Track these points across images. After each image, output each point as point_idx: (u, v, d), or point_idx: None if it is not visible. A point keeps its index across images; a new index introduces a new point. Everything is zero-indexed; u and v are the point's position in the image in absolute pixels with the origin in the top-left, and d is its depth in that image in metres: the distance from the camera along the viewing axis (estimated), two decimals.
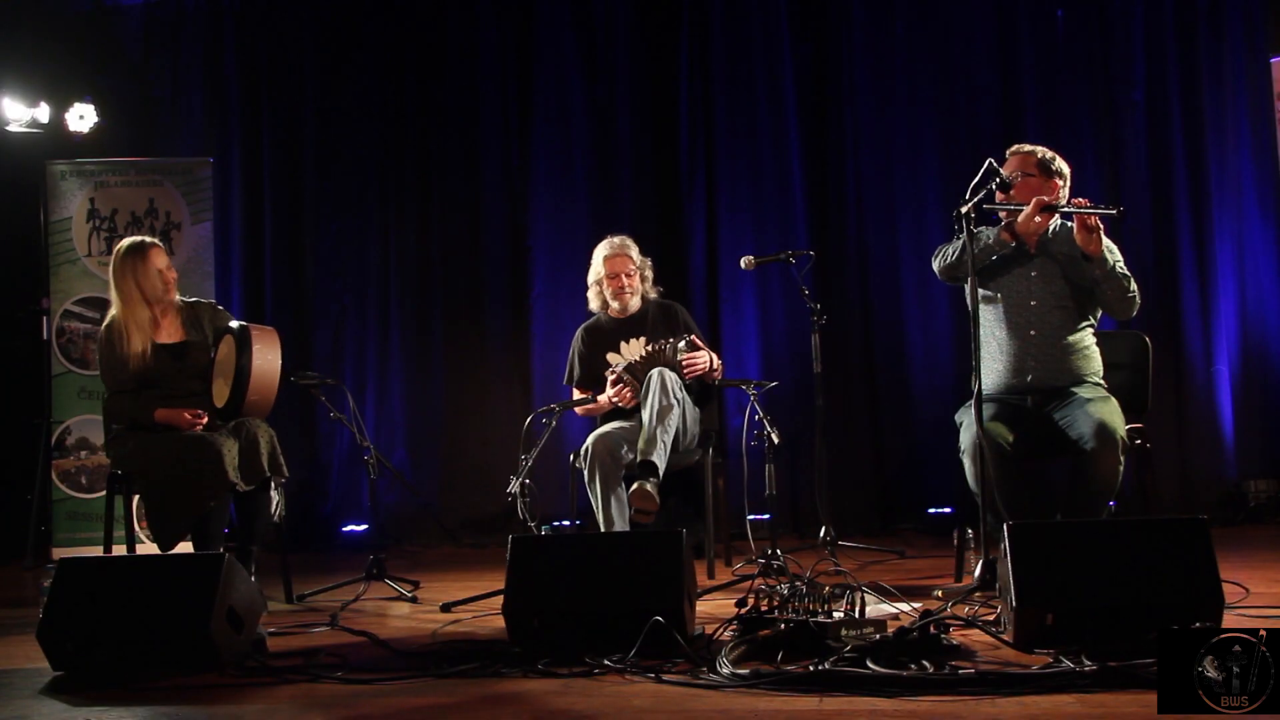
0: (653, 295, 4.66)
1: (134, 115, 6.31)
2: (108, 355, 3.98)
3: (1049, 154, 3.74)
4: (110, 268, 4.05)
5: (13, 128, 5.98)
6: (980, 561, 3.36)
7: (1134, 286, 3.62)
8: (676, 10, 6.12)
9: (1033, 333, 3.66)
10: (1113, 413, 3.46)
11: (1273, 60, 5.72)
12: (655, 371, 4.17)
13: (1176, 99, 5.79)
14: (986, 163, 3.46)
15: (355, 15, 6.34)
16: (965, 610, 2.99)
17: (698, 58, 6.11)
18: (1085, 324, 3.71)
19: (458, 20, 6.27)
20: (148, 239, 4.09)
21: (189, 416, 3.85)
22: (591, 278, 4.64)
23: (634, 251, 4.60)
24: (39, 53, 6.08)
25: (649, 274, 4.66)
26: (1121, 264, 3.63)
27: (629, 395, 4.28)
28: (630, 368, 4.30)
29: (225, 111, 6.32)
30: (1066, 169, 3.76)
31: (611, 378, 4.34)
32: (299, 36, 6.34)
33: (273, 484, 3.92)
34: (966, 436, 3.52)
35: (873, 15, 6.03)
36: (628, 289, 4.54)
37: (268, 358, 3.84)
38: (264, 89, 6.32)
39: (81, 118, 6.00)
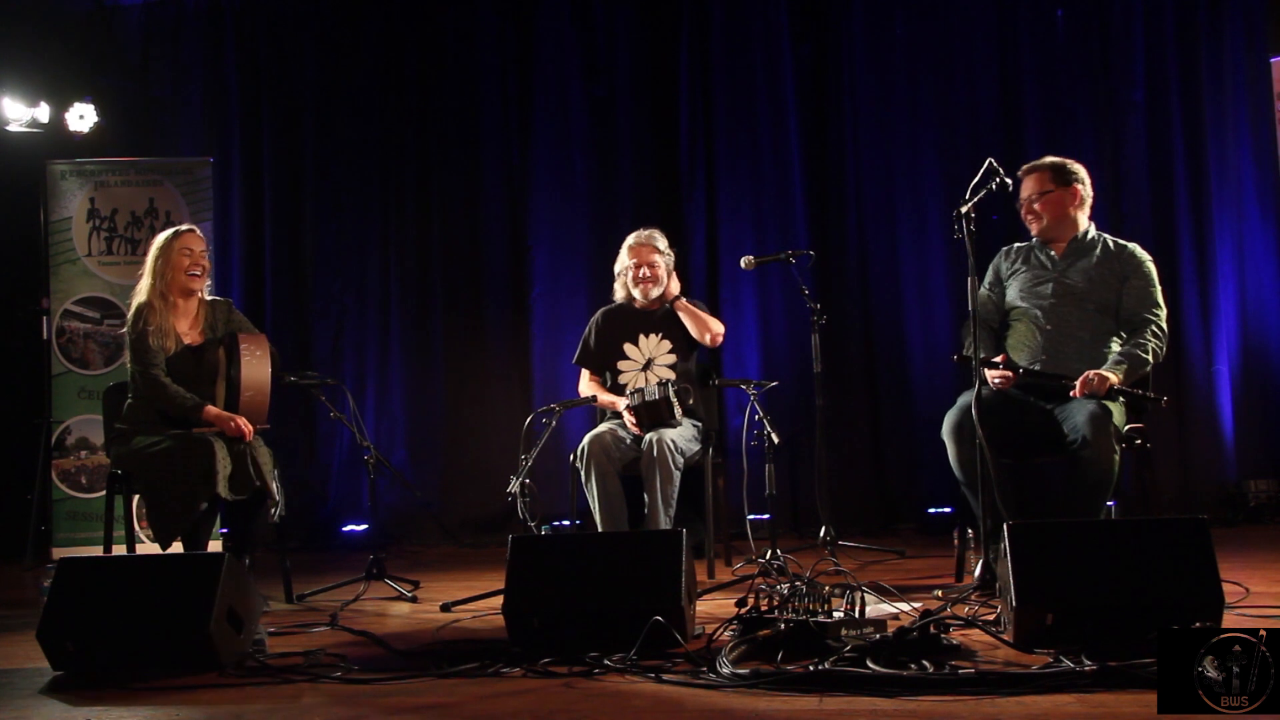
0: (676, 291, 4.64)
1: (134, 115, 6.30)
2: (138, 332, 3.88)
3: (1058, 161, 3.78)
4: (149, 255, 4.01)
5: (13, 128, 5.98)
6: (980, 561, 3.37)
7: (1154, 354, 3.64)
8: (677, 10, 6.12)
9: (1050, 327, 3.70)
10: (1109, 410, 3.47)
11: (1273, 60, 5.72)
12: (656, 442, 4.13)
13: (1176, 99, 5.79)
14: (986, 162, 3.45)
15: (355, 15, 6.33)
16: (965, 610, 2.99)
17: (698, 57, 6.11)
18: (1109, 334, 3.72)
19: (457, 20, 6.27)
20: (185, 226, 4.09)
21: (233, 425, 3.77)
22: (617, 267, 4.67)
23: (661, 244, 4.63)
24: (39, 53, 6.08)
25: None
26: (1158, 324, 3.66)
27: (636, 424, 4.29)
28: (641, 407, 4.26)
29: (225, 111, 6.32)
30: (1081, 169, 3.80)
31: (625, 407, 4.32)
32: (299, 36, 6.34)
33: (267, 501, 3.85)
34: (949, 419, 3.57)
35: (873, 15, 6.03)
36: (648, 277, 4.55)
37: (255, 369, 3.83)
38: (264, 89, 6.32)
39: (81, 118, 6.00)
